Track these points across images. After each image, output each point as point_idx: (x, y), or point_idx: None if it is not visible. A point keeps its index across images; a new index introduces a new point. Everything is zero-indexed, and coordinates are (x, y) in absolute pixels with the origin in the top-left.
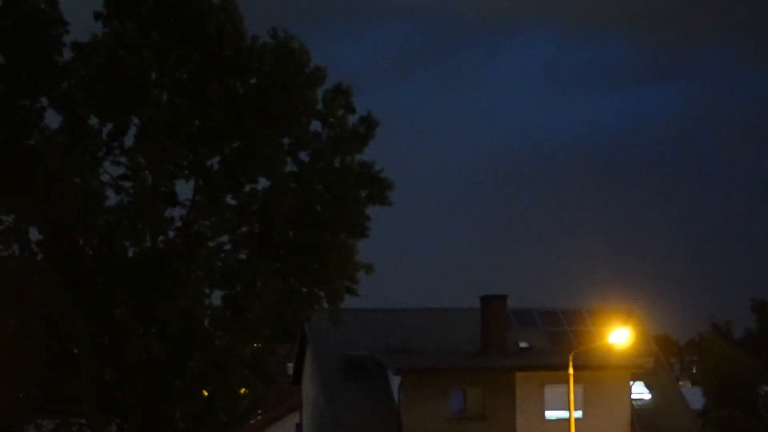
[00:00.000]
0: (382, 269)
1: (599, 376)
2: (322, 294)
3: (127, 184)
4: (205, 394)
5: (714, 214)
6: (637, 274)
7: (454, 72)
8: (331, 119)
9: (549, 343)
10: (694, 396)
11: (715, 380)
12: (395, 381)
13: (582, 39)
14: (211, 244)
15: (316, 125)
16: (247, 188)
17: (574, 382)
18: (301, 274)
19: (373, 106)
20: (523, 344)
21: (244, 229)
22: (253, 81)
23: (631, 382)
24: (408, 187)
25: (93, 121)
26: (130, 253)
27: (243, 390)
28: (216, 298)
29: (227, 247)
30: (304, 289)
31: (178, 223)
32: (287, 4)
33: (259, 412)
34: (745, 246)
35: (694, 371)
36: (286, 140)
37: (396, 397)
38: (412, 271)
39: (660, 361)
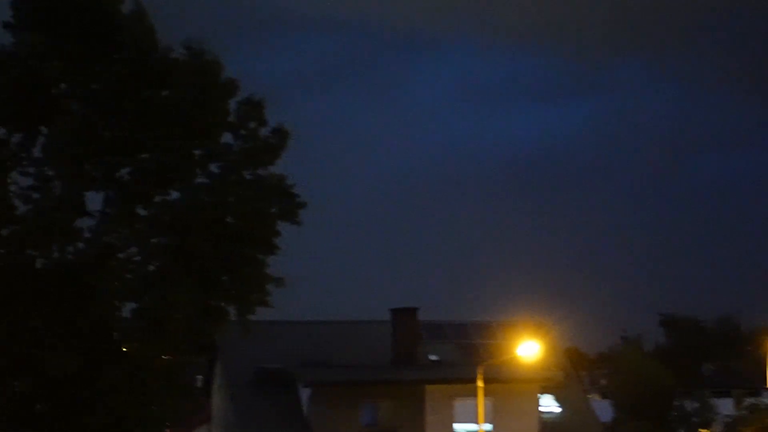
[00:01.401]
0: (295, 281)
1: (509, 389)
2: (231, 307)
3: (36, 195)
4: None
5: (625, 228)
6: (548, 288)
7: (370, 86)
8: (243, 131)
9: (459, 355)
10: (603, 409)
11: (626, 393)
12: (306, 394)
13: (498, 54)
14: (121, 255)
15: (228, 137)
16: (158, 199)
17: (484, 395)
18: (213, 286)
19: (289, 120)
20: (433, 357)
21: (155, 240)
22: (165, 92)
23: (541, 395)
24: (324, 200)
25: (1, 131)
26: (39, 264)
27: (153, 406)
28: (129, 310)
29: (137, 258)
30: (215, 303)
31: (88, 234)
32: (205, 17)
33: (168, 424)
34: (654, 260)
35: (604, 384)
36: (198, 152)
37: (306, 410)
38: (324, 284)
39: (570, 374)
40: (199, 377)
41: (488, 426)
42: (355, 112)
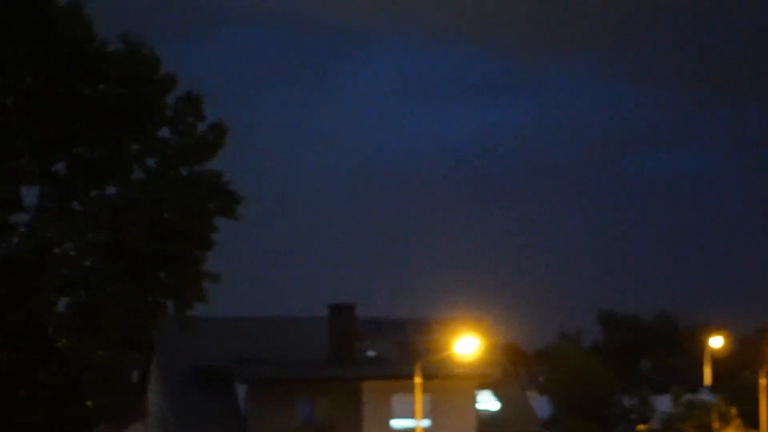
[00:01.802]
0: (232, 277)
1: (446, 386)
2: (169, 303)
3: None
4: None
5: (564, 225)
6: (487, 285)
7: (309, 82)
8: (180, 127)
9: (397, 352)
10: (541, 406)
11: (564, 390)
12: (242, 390)
13: (439, 50)
14: (57, 251)
15: (165, 132)
16: (95, 195)
17: (422, 392)
18: (151, 283)
19: (227, 116)
20: (371, 353)
21: (91, 236)
22: (102, 86)
23: (478, 392)
24: (261, 194)
25: None
26: None
27: (89, 400)
28: (65, 305)
29: (73, 253)
30: (153, 298)
31: (23, 229)
32: (143, 10)
33: (104, 421)
34: (593, 257)
35: (542, 381)
36: (134, 147)
37: (243, 407)
38: (261, 280)
39: (507, 371)
40: (135, 373)
41: (426, 422)
42: (293, 108)
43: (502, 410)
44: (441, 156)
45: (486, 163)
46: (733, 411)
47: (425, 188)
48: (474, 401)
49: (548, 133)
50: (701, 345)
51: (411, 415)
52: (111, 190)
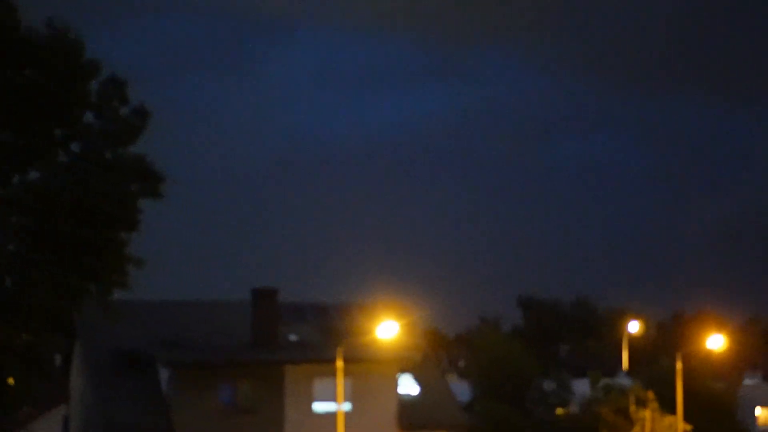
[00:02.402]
0: (155, 261)
1: (368, 370)
2: (92, 287)
3: None
4: None
5: (484, 211)
6: (408, 270)
7: (230, 69)
8: (104, 111)
9: (319, 336)
10: (461, 389)
11: (483, 374)
12: (165, 374)
13: (357, 40)
14: None
15: (89, 117)
16: (18, 180)
17: (344, 375)
18: (74, 267)
19: (150, 101)
20: (293, 338)
21: (14, 220)
22: (26, 71)
23: (399, 376)
24: (184, 180)
25: None
26: None
27: (11, 380)
28: None
29: None
30: (76, 282)
31: None
32: None
33: (26, 404)
34: (512, 243)
35: (462, 365)
36: (58, 131)
37: (165, 391)
38: (184, 264)
39: (428, 355)
40: (59, 357)
41: (347, 406)
42: (217, 95)
43: (422, 394)
44: (362, 143)
45: (406, 150)
46: (650, 395)
47: (346, 175)
48: (395, 385)
49: (467, 121)
50: (619, 330)
51: (333, 398)
52: (34, 174)
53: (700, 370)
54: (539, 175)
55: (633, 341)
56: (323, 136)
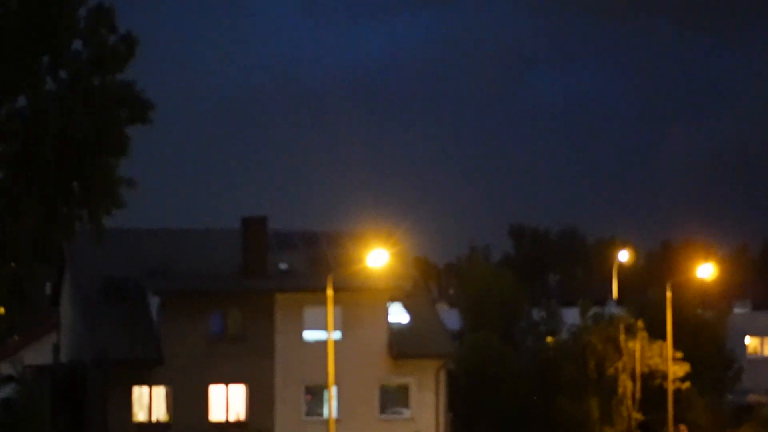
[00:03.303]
0: (144, 190)
1: (358, 298)
2: (83, 213)
3: None
4: None
5: (474, 141)
6: (398, 198)
7: None
8: (92, 38)
9: (309, 265)
10: (451, 318)
11: (472, 303)
12: (155, 303)
13: None
14: None
15: (77, 44)
16: (5, 107)
17: (334, 304)
18: (62, 194)
19: (135, 28)
20: (283, 266)
21: (1, 148)
22: None
23: (389, 304)
24: (171, 108)
25: None
26: None
27: (1, 310)
28: None
29: None
30: (66, 210)
31: None
32: None
33: (16, 333)
34: (503, 172)
35: (452, 294)
36: (45, 59)
37: (155, 319)
38: (173, 192)
39: (418, 284)
40: (48, 285)
41: (337, 334)
42: (205, 23)
43: (412, 323)
44: (348, 72)
45: (393, 80)
46: (640, 324)
47: (334, 104)
48: (385, 314)
49: (451, 51)
50: (608, 259)
51: (322, 327)
52: (22, 102)
53: (690, 299)
54: (524, 106)
55: (622, 271)
56: (312, 63)
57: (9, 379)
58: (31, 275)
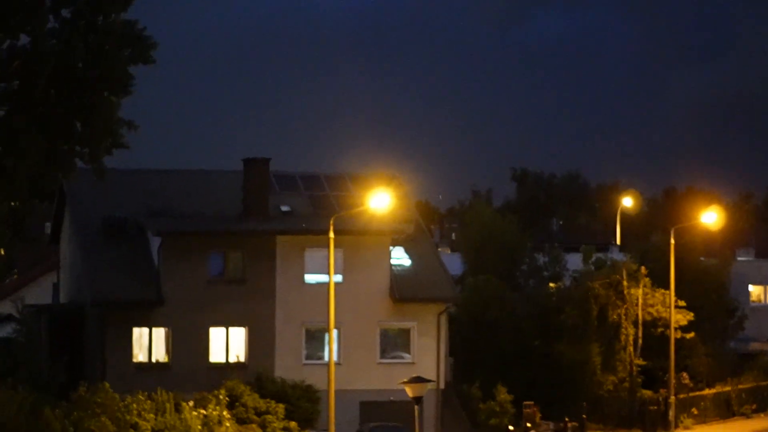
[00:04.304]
0: (146, 130)
1: (360, 241)
2: (84, 151)
3: None
4: None
5: (477, 84)
6: (400, 141)
7: None
8: None
9: (311, 207)
10: (453, 262)
11: (474, 247)
12: (155, 243)
13: None
14: None
15: None
16: (6, 45)
17: (335, 247)
18: (63, 132)
19: None
20: (284, 208)
21: (3, 86)
22: None
23: (391, 248)
24: (174, 48)
25: None
26: None
27: (0, 250)
28: None
29: None
30: (66, 148)
31: None
32: None
33: (15, 271)
34: (506, 116)
35: (454, 238)
36: None
37: (156, 260)
38: (175, 132)
39: (420, 228)
40: (48, 224)
41: (339, 277)
42: None
43: (414, 267)
44: (352, 13)
45: (396, 22)
46: (643, 270)
47: (338, 46)
48: (387, 257)
49: None
50: (611, 205)
51: (324, 269)
52: (23, 40)
53: (693, 246)
54: (527, 48)
55: (625, 217)
56: (315, 7)
57: (8, 318)
58: (30, 213)
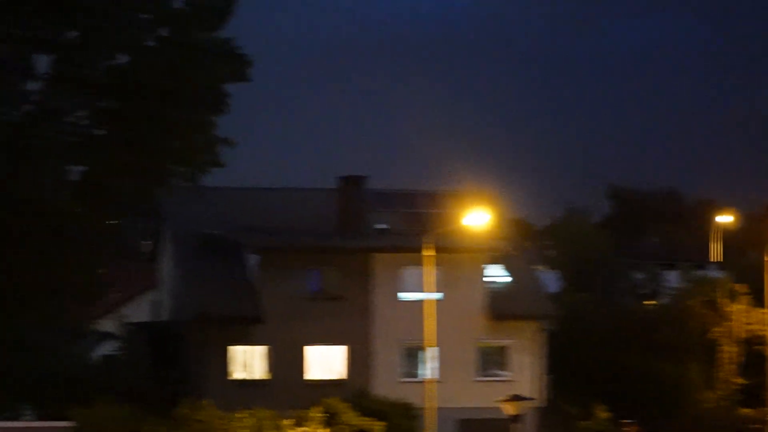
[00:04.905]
0: (241, 147)
1: (456, 259)
2: (182, 169)
3: None
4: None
5: (571, 100)
6: (495, 158)
7: None
8: None
9: (406, 224)
10: (550, 280)
11: (570, 264)
12: (252, 260)
13: None
14: (68, 119)
15: (176, 1)
16: (106, 63)
17: (432, 264)
18: (160, 150)
19: None
20: (380, 225)
21: (102, 104)
22: None
23: (487, 265)
24: (268, 62)
25: None
26: None
27: (101, 270)
28: (73, 173)
29: (85, 122)
30: (163, 165)
31: (35, 97)
32: None
33: (116, 289)
34: (601, 132)
35: (551, 255)
36: (146, 16)
37: (253, 277)
38: (270, 150)
39: (516, 245)
40: (147, 243)
41: (435, 295)
42: None
43: (510, 284)
44: (442, 27)
45: (483, 36)
46: (743, 288)
47: (433, 60)
48: (483, 275)
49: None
50: (708, 221)
51: (419, 288)
52: (123, 58)
53: None
54: (617, 58)
55: (722, 233)
56: (414, 17)
57: (109, 335)
58: (129, 230)
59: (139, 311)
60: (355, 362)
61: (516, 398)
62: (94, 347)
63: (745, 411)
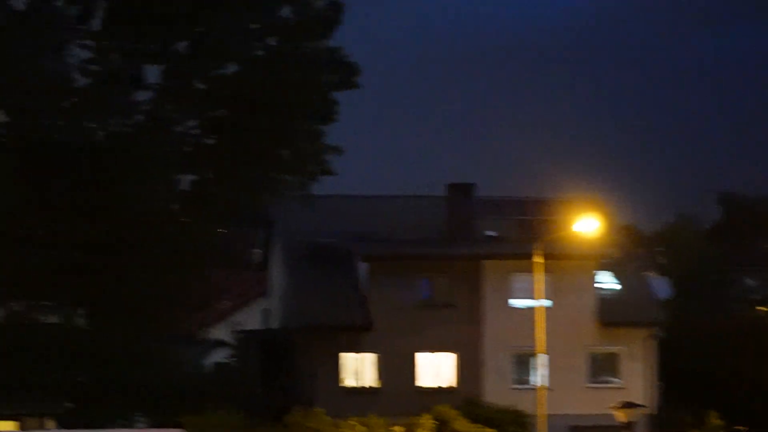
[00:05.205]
0: (350, 155)
1: (566, 266)
2: (291, 178)
3: (94, 67)
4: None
5: (679, 105)
6: (604, 164)
7: None
8: (299, 5)
9: (516, 231)
10: (661, 286)
11: (681, 271)
12: (362, 268)
13: None
14: (178, 128)
15: (285, 11)
16: (216, 73)
17: (542, 271)
18: (270, 159)
19: None
20: (489, 233)
21: (212, 114)
22: None
23: (597, 272)
24: (375, 69)
25: (59, 2)
26: (98, 137)
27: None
28: (183, 182)
29: (196, 131)
30: (274, 175)
31: (146, 107)
32: None
33: (228, 297)
34: (711, 138)
35: (662, 262)
36: (254, 26)
37: (363, 285)
38: (379, 158)
39: (626, 251)
40: (257, 251)
41: (546, 302)
42: None
43: (621, 291)
44: (544, 33)
45: (586, 40)
46: None
47: (544, 62)
48: (593, 282)
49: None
50: None
51: (529, 294)
52: (232, 68)
53: None
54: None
55: None
56: (507, 25)
57: (220, 343)
58: (239, 240)
59: (250, 319)
60: (464, 369)
61: (628, 405)
62: (206, 355)
63: None
